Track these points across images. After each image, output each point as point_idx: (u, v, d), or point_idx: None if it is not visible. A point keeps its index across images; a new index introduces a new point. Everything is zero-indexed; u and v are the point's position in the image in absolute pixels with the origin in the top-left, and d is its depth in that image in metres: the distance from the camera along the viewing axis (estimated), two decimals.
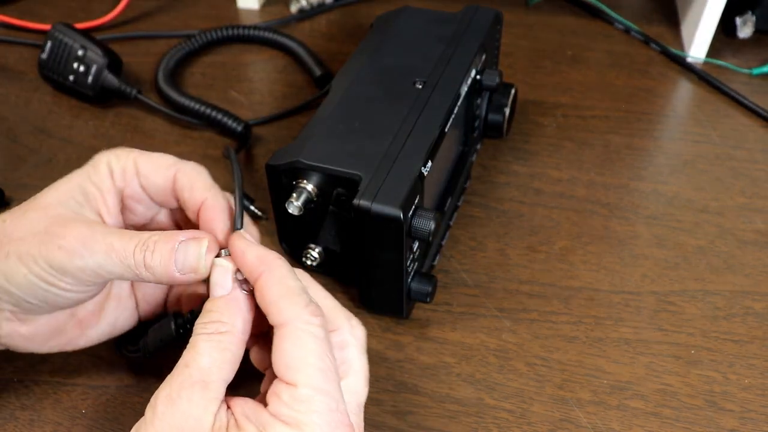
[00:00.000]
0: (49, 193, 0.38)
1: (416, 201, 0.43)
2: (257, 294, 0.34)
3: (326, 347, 0.33)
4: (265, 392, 0.34)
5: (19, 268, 0.36)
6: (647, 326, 0.49)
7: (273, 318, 0.34)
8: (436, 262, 0.52)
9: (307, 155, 0.44)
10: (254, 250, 0.35)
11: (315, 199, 0.44)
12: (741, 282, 0.52)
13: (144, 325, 0.47)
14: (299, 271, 0.38)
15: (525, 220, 0.57)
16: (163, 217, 0.43)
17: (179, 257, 0.36)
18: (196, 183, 0.39)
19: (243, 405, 0.33)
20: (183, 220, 0.43)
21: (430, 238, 0.43)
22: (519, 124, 0.65)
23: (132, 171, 0.39)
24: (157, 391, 0.33)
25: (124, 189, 0.40)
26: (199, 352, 0.33)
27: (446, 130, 0.47)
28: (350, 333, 0.38)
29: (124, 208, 0.40)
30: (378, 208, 0.41)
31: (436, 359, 0.47)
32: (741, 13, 0.73)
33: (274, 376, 0.35)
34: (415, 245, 0.45)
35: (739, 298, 0.51)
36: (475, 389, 0.46)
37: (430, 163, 0.44)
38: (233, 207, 0.39)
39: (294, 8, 0.80)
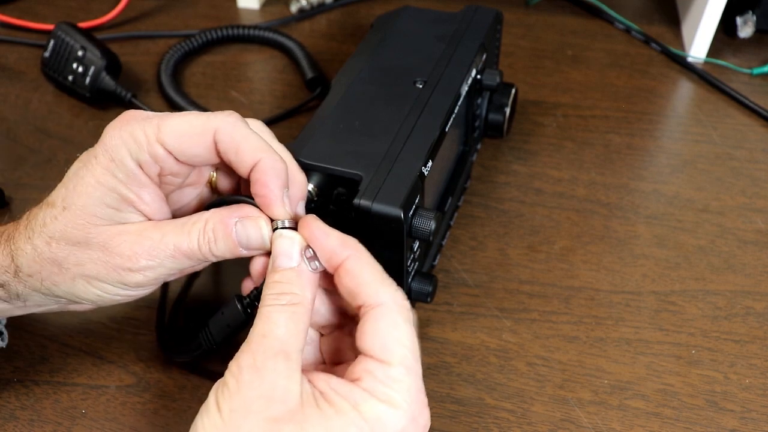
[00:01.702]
0: (77, 200, 0.36)
1: (417, 201, 0.43)
2: (344, 275, 0.34)
3: (414, 331, 0.34)
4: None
5: (90, 289, 0.37)
6: (648, 326, 0.49)
7: (366, 298, 0.34)
8: (436, 262, 0.52)
9: (307, 155, 0.44)
10: (336, 234, 0.35)
11: (315, 199, 0.44)
12: (742, 282, 0.52)
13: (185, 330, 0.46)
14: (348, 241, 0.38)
15: (525, 220, 0.56)
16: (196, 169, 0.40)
17: (242, 239, 0.36)
18: (241, 144, 0.36)
19: (328, 380, 0.33)
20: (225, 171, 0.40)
21: (431, 238, 0.43)
22: (519, 124, 0.65)
23: (162, 154, 0.36)
24: (237, 360, 0.32)
25: (160, 171, 0.37)
26: (274, 322, 0.33)
27: (446, 129, 0.47)
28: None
29: (161, 183, 0.38)
30: (378, 207, 0.41)
31: (437, 359, 0.47)
32: (741, 13, 0.73)
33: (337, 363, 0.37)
34: (416, 245, 0.45)
35: (739, 297, 0.51)
36: (475, 389, 0.46)
37: (430, 163, 0.44)
38: (286, 164, 0.37)
39: (294, 8, 0.79)
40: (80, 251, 0.36)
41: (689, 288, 0.52)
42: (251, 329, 0.33)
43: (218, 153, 0.36)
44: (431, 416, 0.44)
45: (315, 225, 0.36)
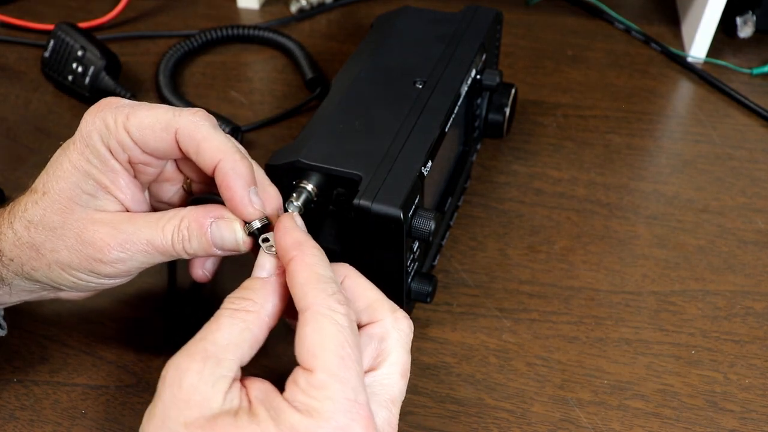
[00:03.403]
0: (55, 185, 0.37)
1: (416, 201, 0.43)
2: (287, 277, 0.34)
3: (349, 336, 0.32)
4: None
5: (65, 276, 0.37)
6: (648, 326, 0.49)
7: (298, 302, 0.33)
8: (436, 262, 0.52)
9: (306, 155, 0.44)
10: (295, 234, 0.35)
11: (315, 199, 0.44)
12: (741, 282, 0.52)
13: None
14: (344, 265, 0.38)
15: (525, 220, 0.56)
16: (171, 165, 0.41)
17: (216, 240, 0.37)
18: (201, 144, 0.36)
19: (259, 387, 0.32)
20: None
21: (430, 238, 0.43)
22: (519, 124, 0.65)
23: (129, 142, 0.36)
24: (168, 361, 0.32)
25: (129, 158, 0.37)
26: (219, 327, 0.32)
27: (446, 129, 0.47)
28: (392, 325, 0.36)
29: (135, 171, 0.38)
30: (378, 207, 0.41)
31: (437, 359, 0.47)
32: (741, 13, 0.73)
33: None
34: (415, 245, 0.45)
35: (739, 298, 0.51)
36: (475, 389, 0.46)
37: (430, 163, 0.44)
38: (250, 163, 0.37)
39: (294, 8, 0.79)
40: (56, 237, 0.36)
41: (689, 288, 0.52)
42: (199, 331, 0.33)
43: (181, 150, 0.37)
44: (430, 416, 0.44)
45: (284, 222, 0.36)
